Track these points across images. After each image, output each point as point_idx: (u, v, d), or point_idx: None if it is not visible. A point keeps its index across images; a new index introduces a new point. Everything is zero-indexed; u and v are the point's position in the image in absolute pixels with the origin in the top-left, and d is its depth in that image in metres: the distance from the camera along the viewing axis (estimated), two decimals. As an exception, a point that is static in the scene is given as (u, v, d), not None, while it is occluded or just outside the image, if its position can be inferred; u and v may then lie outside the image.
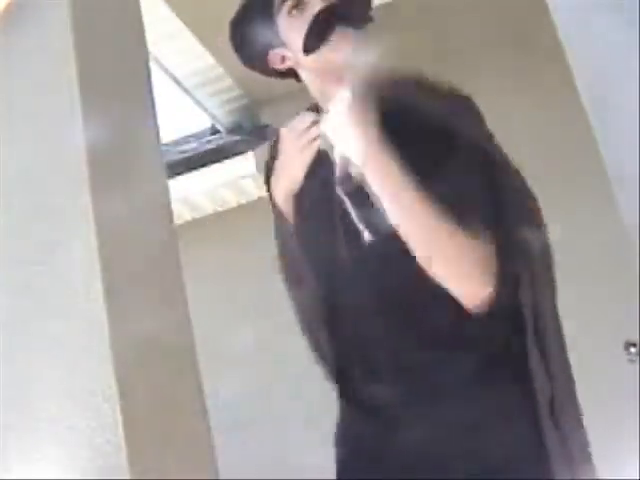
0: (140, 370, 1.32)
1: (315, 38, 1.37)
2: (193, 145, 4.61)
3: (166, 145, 4.38)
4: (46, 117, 1.41)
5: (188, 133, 4.81)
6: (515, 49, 3.63)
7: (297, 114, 1.40)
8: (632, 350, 3.09)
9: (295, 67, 1.47)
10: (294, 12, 1.40)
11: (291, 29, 1.41)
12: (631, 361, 3.09)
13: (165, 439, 1.31)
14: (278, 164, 1.41)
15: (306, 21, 1.37)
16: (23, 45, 1.46)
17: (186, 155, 4.44)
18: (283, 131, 1.39)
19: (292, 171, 1.39)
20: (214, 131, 4.70)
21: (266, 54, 1.47)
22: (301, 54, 1.41)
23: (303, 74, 1.48)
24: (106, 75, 1.51)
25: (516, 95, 3.52)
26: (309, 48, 1.38)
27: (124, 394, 1.25)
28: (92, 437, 1.23)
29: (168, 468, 1.29)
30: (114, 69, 1.55)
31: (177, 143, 4.69)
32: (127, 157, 1.52)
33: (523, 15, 3.54)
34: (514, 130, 3.45)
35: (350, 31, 1.36)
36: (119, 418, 1.23)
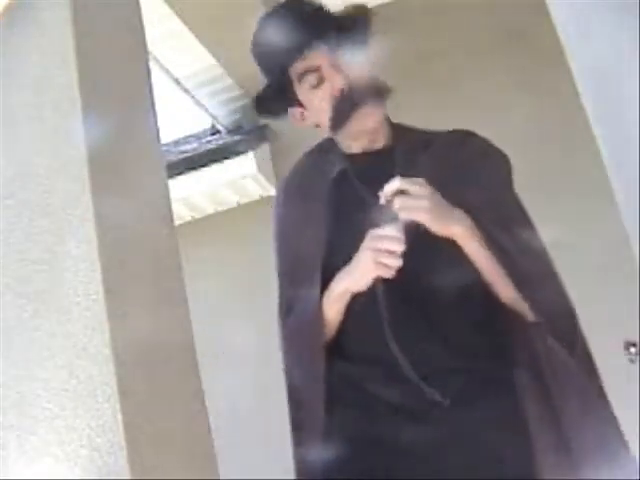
0: (140, 370, 1.32)
1: (339, 119, 1.43)
2: (193, 145, 4.61)
3: (166, 145, 4.38)
4: (46, 117, 1.41)
5: (188, 133, 4.81)
6: (515, 49, 3.63)
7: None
8: (632, 350, 3.09)
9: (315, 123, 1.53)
10: (314, 85, 1.44)
11: (311, 101, 1.47)
12: (631, 361, 3.09)
13: (165, 439, 1.31)
14: (352, 261, 1.38)
15: (327, 97, 1.42)
16: (23, 45, 1.46)
17: (186, 155, 4.44)
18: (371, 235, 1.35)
19: (358, 278, 1.37)
20: (214, 131, 4.69)
21: (286, 109, 1.54)
22: (324, 125, 1.47)
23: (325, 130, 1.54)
24: (106, 75, 1.51)
25: (516, 95, 3.51)
26: (335, 127, 1.45)
27: (124, 394, 1.25)
28: (92, 437, 1.23)
29: (168, 468, 1.29)
30: (114, 69, 1.55)
31: (177, 143, 4.69)
32: (127, 157, 1.52)
33: (523, 15, 3.54)
34: (514, 130, 3.45)
35: (371, 105, 1.41)
36: (119, 418, 1.23)
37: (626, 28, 1.05)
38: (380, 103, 1.44)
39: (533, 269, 1.42)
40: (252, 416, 4.06)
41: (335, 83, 1.41)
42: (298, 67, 1.45)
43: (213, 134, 4.68)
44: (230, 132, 4.55)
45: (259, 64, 1.51)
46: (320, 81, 1.43)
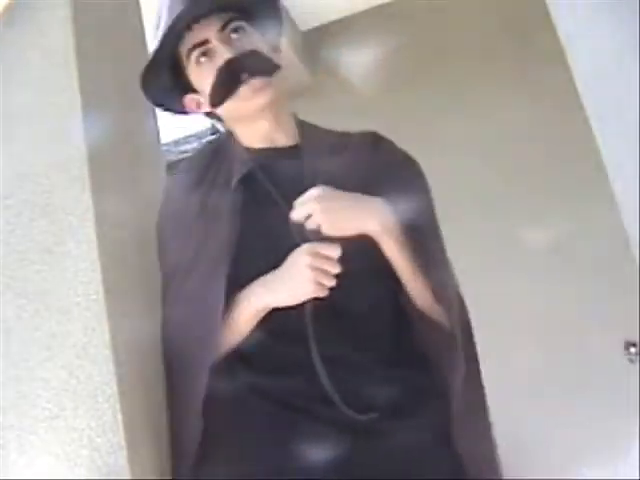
0: (140, 370, 1.32)
1: (220, 91, 1.34)
2: (193, 145, 4.61)
3: (166, 145, 4.38)
4: (46, 117, 1.41)
5: (188, 133, 4.81)
6: (515, 49, 3.63)
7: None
8: (632, 350, 3.09)
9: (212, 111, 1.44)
10: (202, 60, 1.36)
11: (200, 77, 1.38)
12: (631, 361, 3.09)
13: (165, 439, 1.31)
14: (277, 274, 1.29)
15: (213, 71, 1.34)
16: (23, 45, 1.46)
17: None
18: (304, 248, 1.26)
19: (290, 298, 1.27)
20: (214, 131, 4.69)
21: (182, 98, 1.44)
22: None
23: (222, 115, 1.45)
24: (106, 75, 1.51)
25: (516, 95, 3.51)
26: (215, 102, 1.37)
27: (124, 394, 1.25)
28: (92, 437, 1.23)
29: (168, 468, 1.29)
30: (114, 69, 1.55)
31: (177, 143, 4.69)
32: (127, 157, 1.52)
33: (523, 15, 3.54)
34: (514, 130, 3.45)
35: (258, 80, 1.33)
36: (119, 418, 1.23)
37: (626, 28, 1.05)
38: (269, 79, 1.34)
39: (443, 276, 1.37)
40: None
41: (222, 55, 1.33)
42: (187, 42, 1.36)
43: (213, 134, 4.67)
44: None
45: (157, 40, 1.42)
46: (209, 54, 1.35)
